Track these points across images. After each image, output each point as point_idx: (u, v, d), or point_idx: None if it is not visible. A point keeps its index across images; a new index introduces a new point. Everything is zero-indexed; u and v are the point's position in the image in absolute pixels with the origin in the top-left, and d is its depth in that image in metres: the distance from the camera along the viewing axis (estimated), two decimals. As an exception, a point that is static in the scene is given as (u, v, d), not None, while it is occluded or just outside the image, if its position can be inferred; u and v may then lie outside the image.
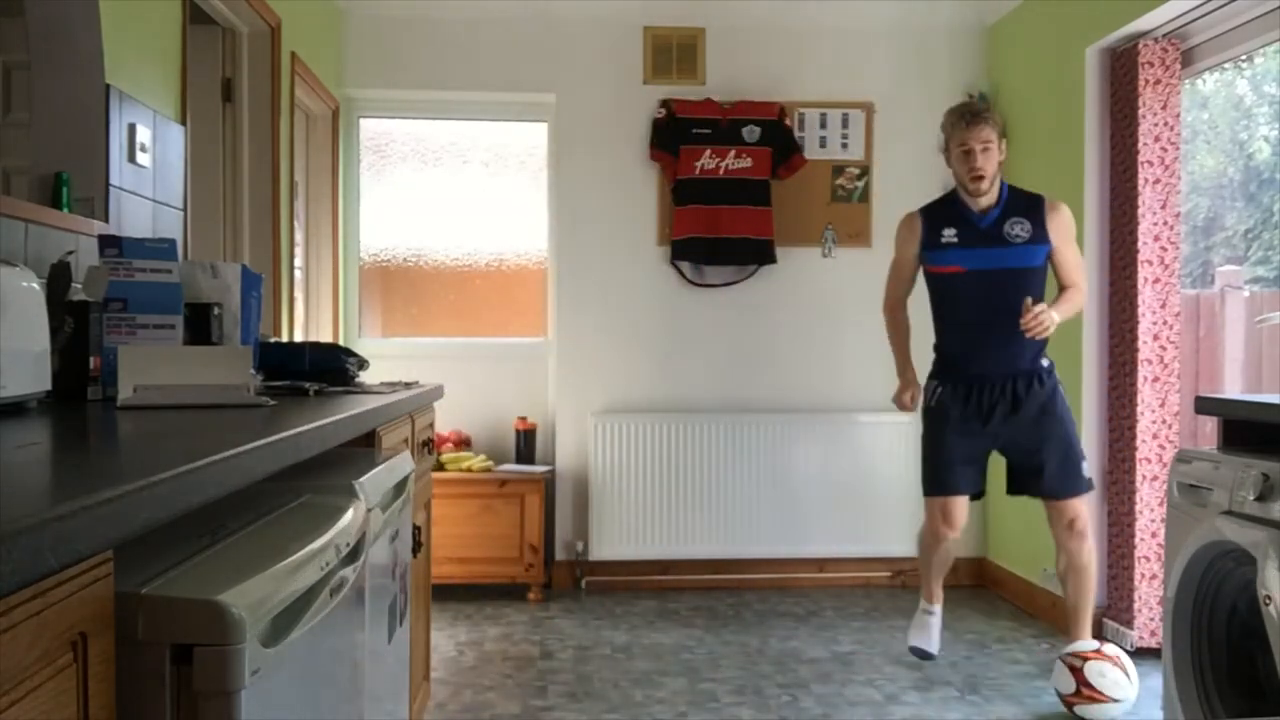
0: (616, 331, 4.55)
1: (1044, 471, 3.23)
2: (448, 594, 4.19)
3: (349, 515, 1.33)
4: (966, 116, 3.27)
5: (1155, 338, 3.56)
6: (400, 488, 1.87)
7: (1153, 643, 3.47)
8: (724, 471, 4.45)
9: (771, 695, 3.21)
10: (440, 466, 4.27)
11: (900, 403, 3.52)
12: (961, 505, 3.36)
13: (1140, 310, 3.55)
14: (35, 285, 1.56)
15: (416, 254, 4.72)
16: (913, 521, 4.53)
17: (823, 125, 4.60)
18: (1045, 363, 3.31)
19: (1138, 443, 3.55)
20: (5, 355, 1.41)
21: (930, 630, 3.50)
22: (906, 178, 4.61)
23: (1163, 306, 3.56)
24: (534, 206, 4.73)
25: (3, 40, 2.04)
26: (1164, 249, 3.56)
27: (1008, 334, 3.18)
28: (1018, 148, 4.38)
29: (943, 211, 3.38)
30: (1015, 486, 3.36)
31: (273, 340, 2.94)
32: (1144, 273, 3.55)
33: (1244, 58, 3.61)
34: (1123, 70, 3.65)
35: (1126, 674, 3.03)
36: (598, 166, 4.53)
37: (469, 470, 4.31)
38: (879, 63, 4.61)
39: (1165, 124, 3.55)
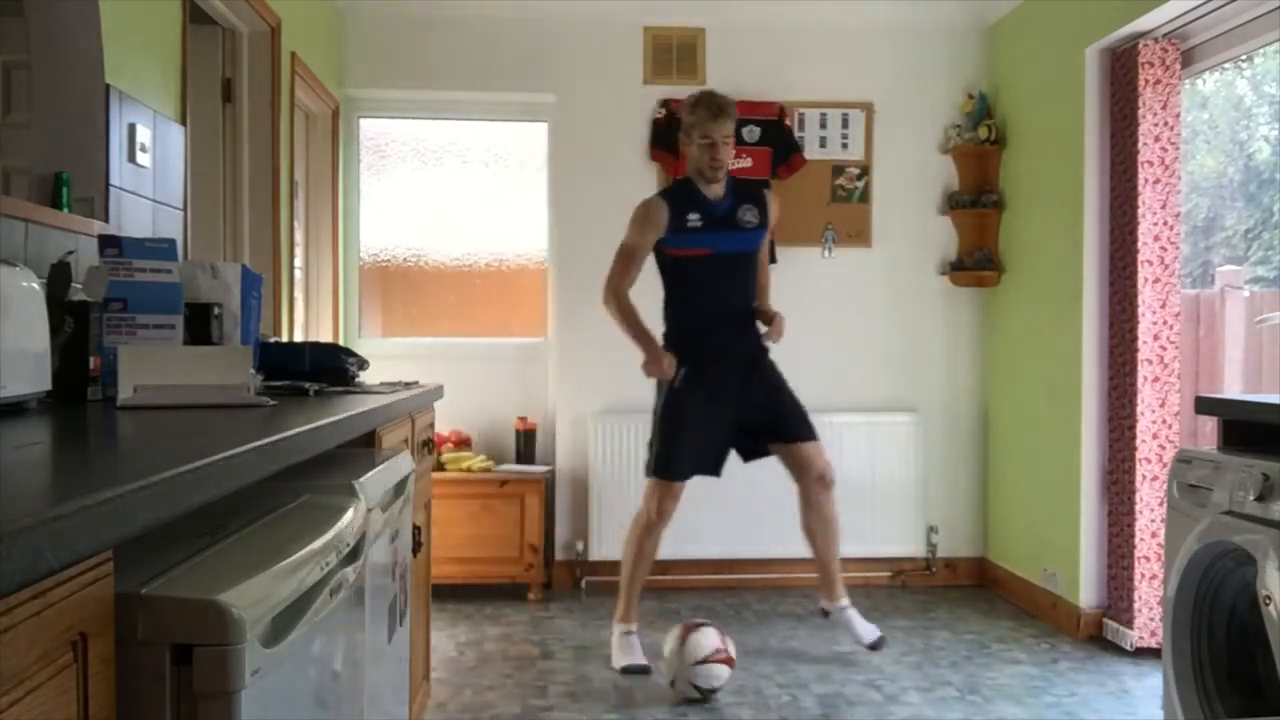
0: (616, 331, 4.53)
1: (785, 420, 3.44)
2: (448, 594, 4.19)
3: (349, 515, 1.33)
4: (713, 109, 3.39)
5: (1155, 338, 3.56)
6: (400, 488, 1.87)
7: (1153, 643, 3.47)
8: (724, 471, 4.44)
9: (771, 695, 3.21)
10: (440, 466, 4.27)
11: (660, 369, 3.43)
12: (679, 493, 3.43)
13: (1140, 310, 3.55)
14: (35, 285, 1.56)
15: (416, 254, 4.72)
16: (913, 522, 4.55)
17: (823, 125, 4.60)
18: (762, 330, 3.49)
19: (1138, 443, 3.55)
20: (5, 355, 1.41)
21: (635, 648, 3.44)
22: (906, 178, 4.62)
23: (1163, 306, 3.56)
24: (534, 206, 4.73)
25: (3, 40, 2.04)
26: (1164, 249, 3.56)
27: (742, 312, 3.46)
28: (1018, 148, 4.38)
29: (683, 197, 3.47)
30: (758, 448, 3.49)
31: (273, 340, 2.94)
32: (1144, 273, 3.55)
33: (1244, 58, 3.62)
34: (1123, 70, 3.65)
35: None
36: (598, 166, 4.52)
37: (469, 470, 4.31)
38: (879, 63, 4.61)
39: (1165, 124, 3.55)
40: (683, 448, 3.39)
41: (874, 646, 3.50)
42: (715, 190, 3.44)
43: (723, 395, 3.40)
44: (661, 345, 3.46)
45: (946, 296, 4.64)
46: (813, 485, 3.44)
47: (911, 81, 4.60)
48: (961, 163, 4.58)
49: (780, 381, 3.49)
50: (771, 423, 3.46)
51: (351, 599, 1.35)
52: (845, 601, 3.56)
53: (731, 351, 3.44)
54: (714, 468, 3.48)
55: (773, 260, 4.48)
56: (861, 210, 4.61)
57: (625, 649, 3.44)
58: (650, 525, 3.44)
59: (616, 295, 3.49)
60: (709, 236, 3.41)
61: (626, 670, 3.39)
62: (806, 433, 3.45)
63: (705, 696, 3.11)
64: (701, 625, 3.16)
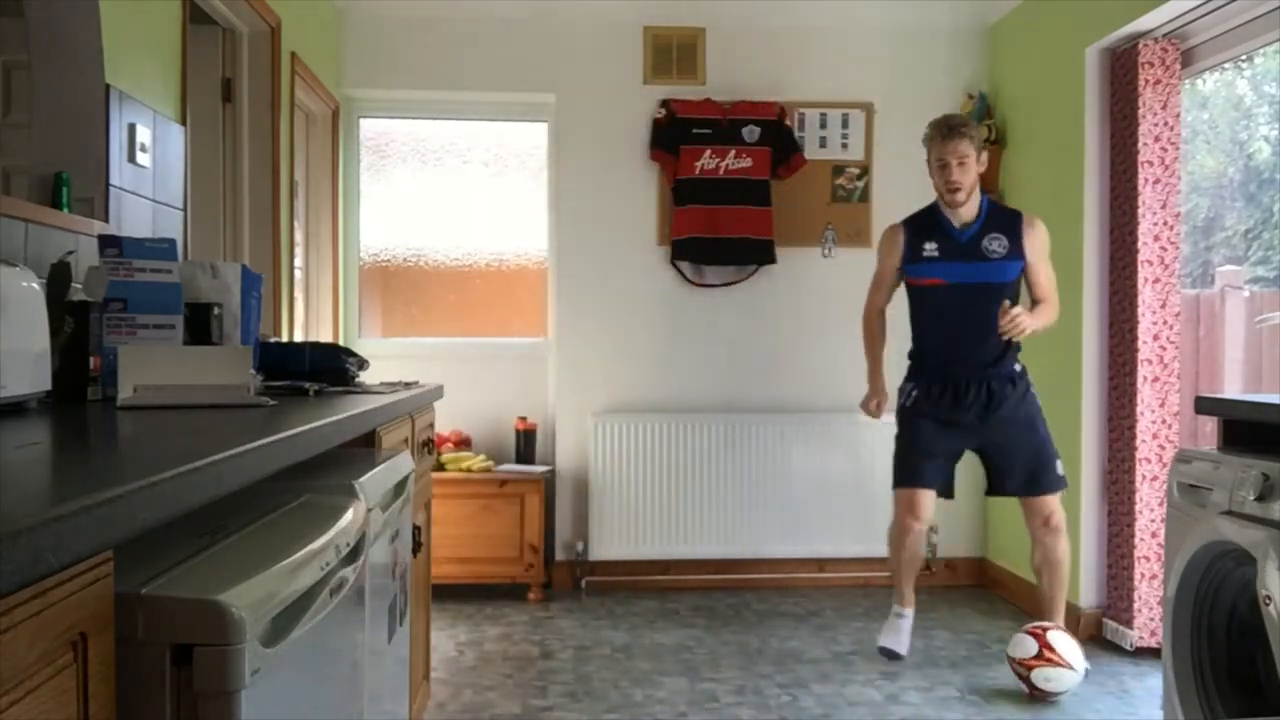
0: (616, 331, 4.55)
1: (1019, 470, 3.37)
2: (448, 594, 4.19)
3: (349, 515, 1.33)
4: (943, 130, 3.36)
5: (1155, 338, 3.56)
6: (400, 488, 1.87)
7: (1153, 643, 3.47)
8: (724, 471, 4.45)
9: (771, 695, 3.21)
10: (440, 466, 4.27)
11: (868, 408, 3.66)
12: (928, 498, 3.44)
13: (1140, 310, 3.55)
14: (35, 285, 1.56)
15: (416, 254, 4.72)
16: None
17: (823, 125, 4.60)
18: (1017, 366, 3.41)
19: (1138, 443, 3.55)
20: (5, 355, 1.41)
21: (901, 632, 3.55)
22: (906, 178, 4.60)
23: (1163, 306, 3.56)
24: (534, 206, 4.73)
25: (3, 40, 2.04)
26: (1164, 249, 3.56)
27: (983, 342, 3.33)
28: (1018, 148, 4.38)
29: (924, 225, 3.45)
30: (993, 486, 3.48)
31: (273, 340, 2.94)
32: (1144, 273, 3.55)
33: (1244, 58, 3.62)
34: (1123, 70, 3.65)
35: (1079, 649, 3.21)
36: (598, 166, 4.52)
37: (469, 470, 4.31)
38: (879, 63, 4.61)
39: (1165, 124, 3.55)
40: (915, 458, 3.43)
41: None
42: (963, 215, 3.36)
43: (951, 422, 3.38)
44: (909, 368, 3.52)
45: (946, 296, 4.63)
46: (1039, 529, 3.40)
47: (911, 81, 4.60)
48: (961, 163, 4.57)
49: (1028, 432, 3.36)
50: (1009, 473, 3.40)
51: (351, 599, 1.35)
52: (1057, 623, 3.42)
53: (968, 380, 3.36)
54: (944, 483, 3.46)
55: (771, 261, 4.49)
56: (861, 210, 4.61)
57: (890, 630, 3.55)
58: (905, 529, 3.48)
59: (865, 317, 3.65)
60: (943, 266, 3.37)
61: (881, 651, 3.52)
62: (1041, 489, 3.37)
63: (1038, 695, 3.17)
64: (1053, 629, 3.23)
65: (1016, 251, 3.36)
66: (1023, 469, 3.38)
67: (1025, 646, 3.19)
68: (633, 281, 4.54)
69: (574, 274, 4.54)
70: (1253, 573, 1.97)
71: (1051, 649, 3.14)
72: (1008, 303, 3.23)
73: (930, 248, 3.39)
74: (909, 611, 3.58)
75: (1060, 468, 3.41)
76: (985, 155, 3.42)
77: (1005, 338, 3.26)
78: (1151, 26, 3.54)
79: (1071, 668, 3.15)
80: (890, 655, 3.52)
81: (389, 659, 1.85)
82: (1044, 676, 3.15)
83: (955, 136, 3.31)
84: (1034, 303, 3.44)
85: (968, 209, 3.37)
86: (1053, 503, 3.39)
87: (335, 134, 4.39)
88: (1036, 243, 3.39)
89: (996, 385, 3.36)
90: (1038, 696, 3.17)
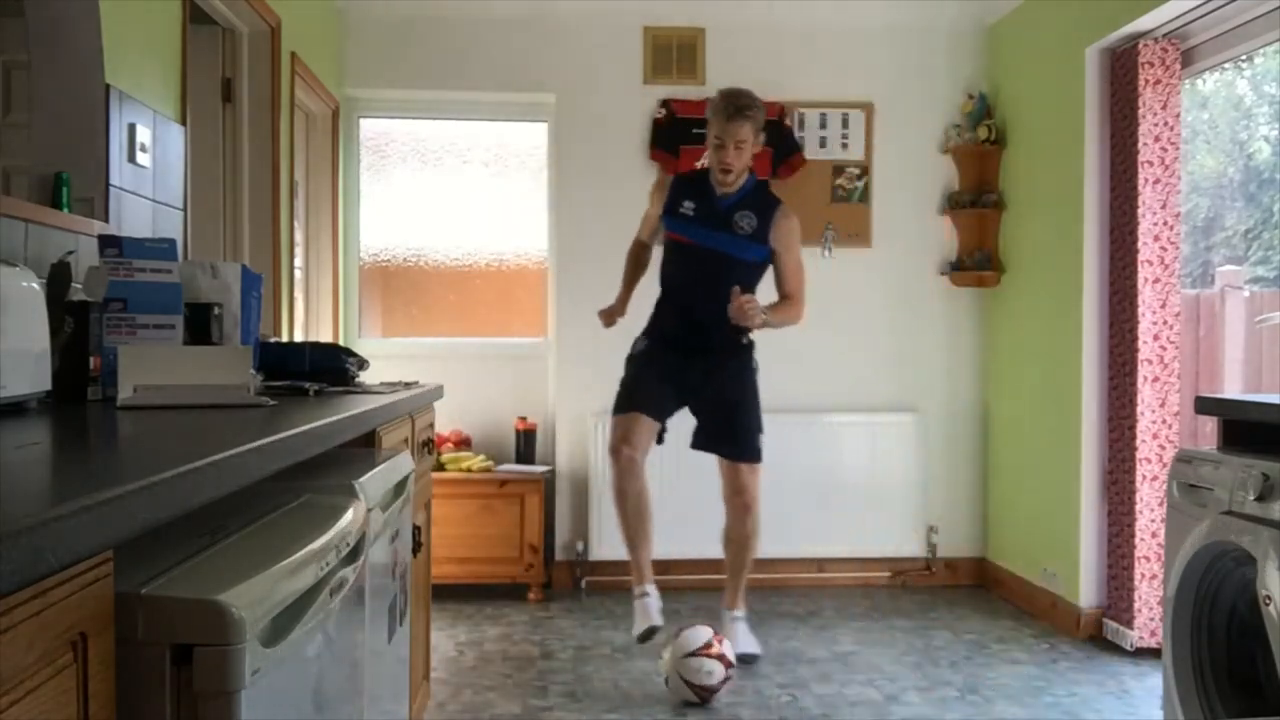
0: (617, 331, 4.53)
1: (727, 434, 3.41)
2: (448, 594, 4.19)
3: (349, 515, 1.33)
4: (729, 110, 3.30)
5: (1155, 338, 3.56)
6: (400, 488, 1.87)
7: (1153, 643, 3.47)
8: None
9: (771, 695, 3.21)
10: (440, 466, 4.27)
11: (606, 314, 3.61)
12: (648, 427, 3.37)
13: (1140, 310, 3.55)
14: (35, 285, 1.56)
15: (416, 254, 4.72)
16: (913, 522, 4.55)
17: (823, 125, 4.60)
18: (745, 340, 3.44)
19: (1138, 443, 3.55)
20: (5, 355, 1.41)
21: (649, 611, 3.34)
22: (906, 178, 4.62)
23: (1163, 306, 3.56)
24: (534, 206, 4.73)
25: (3, 40, 2.04)
26: (1164, 249, 3.56)
27: (714, 306, 3.28)
28: (1018, 148, 4.38)
29: (692, 184, 3.47)
30: (699, 441, 3.48)
31: (273, 340, 2.94)
32: (1144, 273, 3.55)
33: (1244, 58, 3.62)
34: (1123, 70, 3.65)
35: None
36: (598, 166, 4.52)
37: (469, 470, 4.30)
38: (879, 63, 4.61)
39: (1165, 124, 3.55)
40: (636, 391, 3.42)
41: (745, 660, 3.42)
42: (725, 189, 3.39)
43: (675, 378, 3.40)
44: (649, 320, 3.52)
45: (946, 296, 4.64)
46: (732, 499, 3.46)
47: (911, 81, 4.60)
48: (961, 163, 4.58)
49: (744, 401, 3.42)
50: (717, 435, 3.44)
51: (351, 599, 1.35)
52: (740, 613, 3.54)
53: (692, 345, 3.40)
54: (660, 415, 3.41)
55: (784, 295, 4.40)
56: (861, 210, 4.61)
57: (639, 612, 3.36)
58: (623, 468, 3.34)
59: (631, 245, 3.68)
60: (694, 227, 3.40)
61: (640, 638, 3.33)
62: (742, 455, 3.42)
63: (700, 697, 3.08)
64: (697, 624, 3.17)
65: (762, 235, 3.37)
66: (731, 434, 3.41)
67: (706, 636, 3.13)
68: (633, 281, 4.53)
69: (574, 274, 4.53)
70: (1253, 573, 1.97)
71: (723, 647, 3.11)
72: (738, 289, 3.21)
73: (688, 206, 3.41)
74: (652, 588, 3.37)
75: (760, 442, 3.42)
76: (763, 137, 3.44)
77: (732, 321, 3.25)
78: (1151, 26, 3.54)
79: (729, 671, 3.11)
80: (648, 636, 3.31)
81: (389, 659, 1.85)
82: (703, 668, 3.08)
83: (738, 118, 3.28)
84: (781, 297, 3.45)
85: (732, 186, 3.38)
86: (747, 475, 3.41)
87: (335, 134, 4.39)
88: (783, 232, 3.39)
89: (726, 354, 3.40)
90: (697, 692, 3.08)
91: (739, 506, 3.45)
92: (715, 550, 4.44)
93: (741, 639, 3.47)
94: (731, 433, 3.42)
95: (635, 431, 3.35)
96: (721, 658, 3.10)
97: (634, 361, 3.50)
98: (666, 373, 3.41)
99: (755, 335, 3.46)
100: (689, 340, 3.40)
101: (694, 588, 4.46)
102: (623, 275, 3.69)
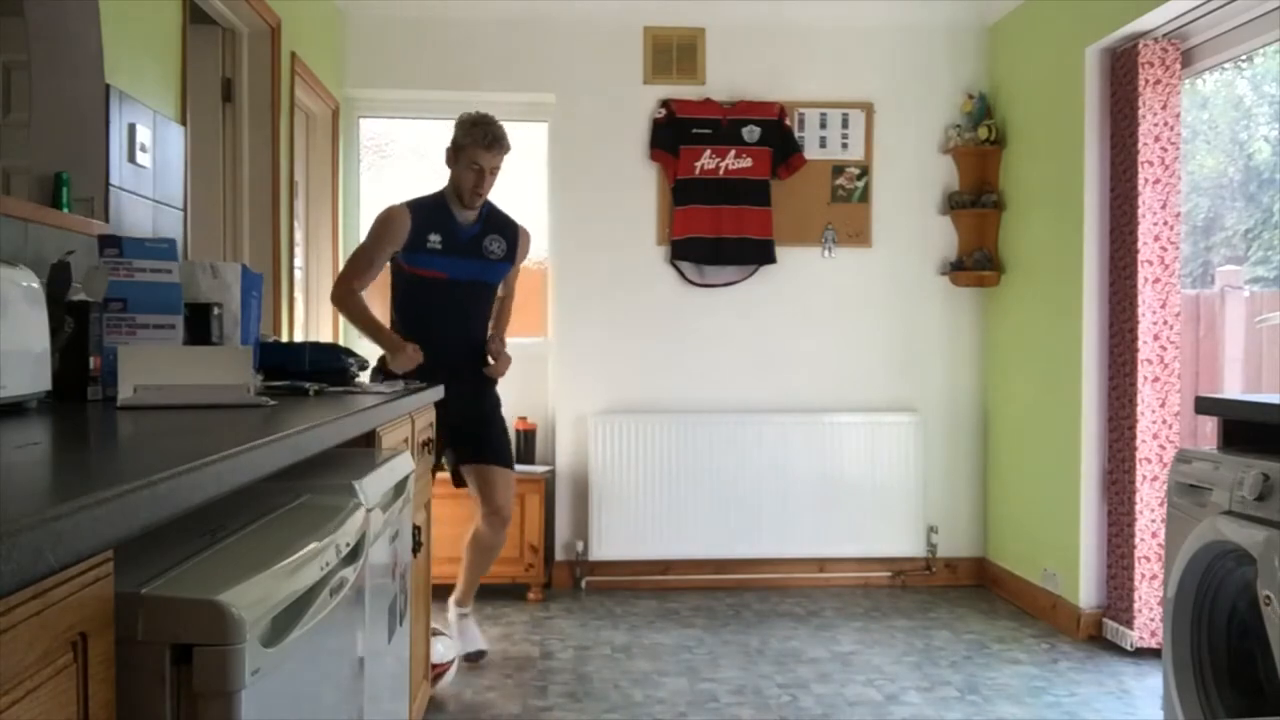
0: (616, 331, 4.55)
1: (490, 444, 3.48)
2: (448, 594, 4.18)
3: (349, 515, 1.33)
4: (489, 139, 3.29)
5: (1155, 338, 3.56)
6: (400, 488, 1.87)
7: (1153, 643, 3.47)
8: (723, 472, 4.45)
9: (771, 695, 3.21)
10: (441, 466, 4.26)
11: (408, 356, 3.25)
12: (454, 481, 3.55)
13: (1140, 310, 3.55)
14: (35, 285, 1.56)
15: (416, 254, 4.71)
16: (913, 522, 4.55)
17: (823, 125, 4.60)
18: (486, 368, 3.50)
19: (1138, 443, 3.55)
20: (5, 355, 1.41)
21: (472, 631, 3.55)
22: (906, 178, 4.62)
23: (1163, 306, 3.56)
24: (534, 206, 4.73)
25: (3, 40, 2.04)
26: (1164, 249, 3.56)
27: (469, 338, 3.43)
28: (1018, 148, 4.38)
29: (431, 215, 3.36)
30: (464, 456, 3.49)
31: (273, 340, 2.94)
32: (1144, 273, 3.55)
33: (1244, 58, 3.62)
34: (1123, 70, 3.65)
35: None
36: (598, 166, 4.53)
37: (469, 470, 4.30)
38: (879, 63, 4.61)
39: (1165, 124, 3.55)
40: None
41: (471, 657, 3.48)
42: (467, 215, 3.37)
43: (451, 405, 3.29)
44: (381, 358, 3.37)
45: (946, 296, 4.64)
46: (489, 508, 3.48)
47: (911, 81, 4.60)
48: (961, 163, 4.58)
49: (497, 415, 3.54)
50: (479, 446, 3.46)
51: (351, 599, 1.35)
52: (468, 609, 3.60)
53: (453, 369, 3.32)
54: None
55: (771, 260, 4.50)
56: (861, 210, 4.61)
57: (463, 632, 3.52)
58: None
59: (350, 296, 3.32)
60: (447, 260, 3.34)
61: (467, 658, 3.46)
62: (505, 461, 3.50)
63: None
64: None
65: (510, 255, 3.46)
66: (493, 444, 3.48)
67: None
68: (633, 281, 4.54)
69: (574, 274, 4.54)
70: (1253, 573, 1.97)
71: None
72: (507, 357, 3.45)
73: (434, 239, 3.34)
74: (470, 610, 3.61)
75: (512, 452, 3.61)
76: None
77: (495, 378, 3.46)
78: (1151, 26, 3.54)
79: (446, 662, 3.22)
80: (479, 656, 3.51)
81: (389, 659, 1.85)
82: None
83: (499, 149, 3.31)
84: (501, 297, 3.55)
85: (472, 211, 3.38)
86: (508, 490, 3.50)
87: (335, 134, 4.39)
88: (524, 250, 3.55)
89: (476, 376, 3.44)
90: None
91: (499, 519, 3.51)
92: (715, 550, 4.47)
93: (470, 635, 3.56)
94: (496, 445, 3.51)
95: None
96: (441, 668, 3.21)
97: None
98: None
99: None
100: (452, 370, 3.30)
101: (694, 588, 4.47)
102: (365, 327, 3.33)
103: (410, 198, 3.41)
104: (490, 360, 3.45)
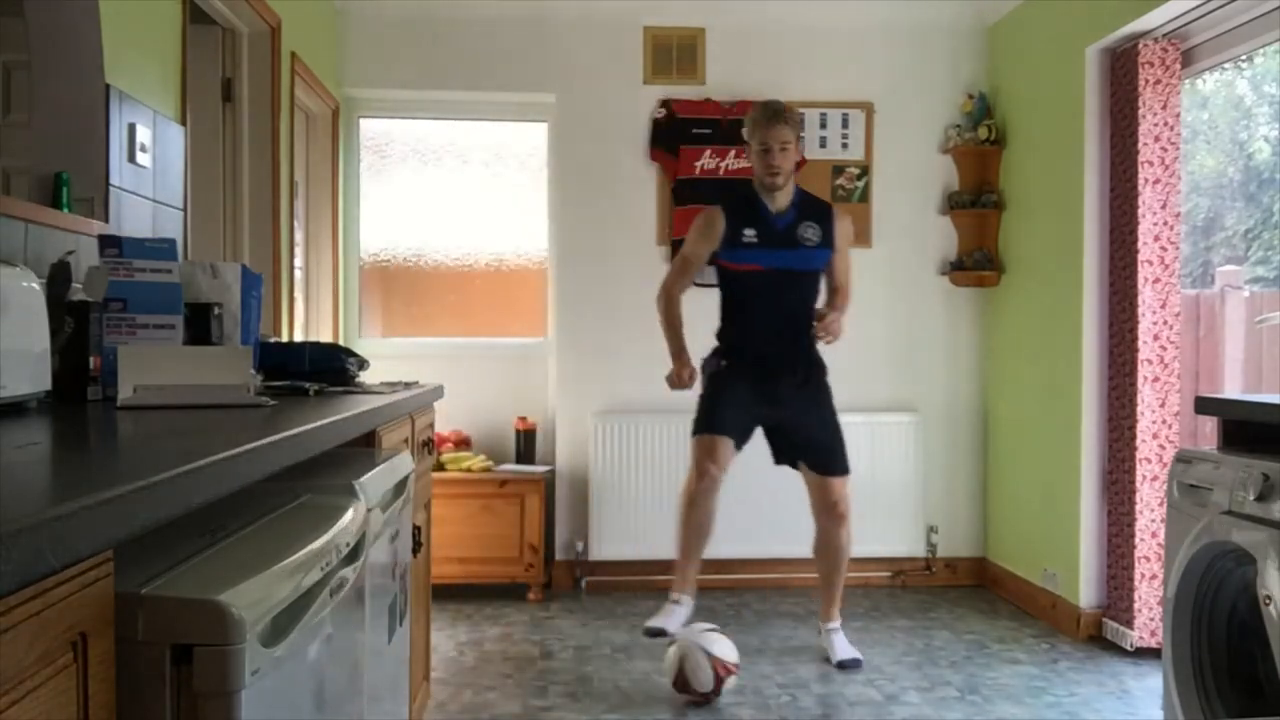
0: (616, 331, 4.55)
1: (818, 448, 3.45)
2: (448, 594, 4.19)
3: (349, 515, 1.33)
4: (767, 115, 3.38)
5: (1155, 338, 3.56)
6: (400, 488, 1.87)
7: (1153, 643, 3.47)
8: (725, 471, 4.43)
9: (771, 695, 3.21)
10: (440, 466, 4.27)
11: (679, 379, 3.47)
12: (729, 446, 3.41)
13: (1140, 310, 3.55)
14: (35, 285, 1.56)
15: (416, 254, 4.72)
16: (913, 522, 4.55)
17: (823, 125, 4.60)
18: (817, 356, 3.48)
19: (1138, 443, 3.55)
20: (5, 355, 1.41)
21: (672, 615, 3.40)
22: (906, 178, 4.62)
23: (1163, 306, 3.56)
24: (534, 206, 4.73)
25: (3, 40, 2.04)
26: (1164, 249, 3.56)
27: (793, 325, 3.42)
28: (1018, 148, 4.38)
29: (742, 211, 3.46)
30: (785, 458, 3.53)
31: (273, 340, 2.94)
32: (1144, 273, 3.55)
33: (1244, 58, 3.62)
34: (1123, 70, 3.65)
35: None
36: (598, 166, 4.53)
37: (469, 470, 4.31)
38: (879, 63, 4.61)
39: (1165, 124, 3.55)
40: (718, 410, 3.42)
41: (844, 665, 3.46)
42: (780, 201, 3.41)
43: (760, 393, 3.41)
44: (714, 347, 3.52)
45: (946, 296, 4.64)
46: (824, 512, 3.49)
47: (911, 81, 4.60)
48: (961, 163, 4.58)
49: (828, 415, 3.46)
50: (807, 449, 3.47)
51: (351, 599, 1.35)
52: (835, 624, 3.57)
53: (778, 365, 3.43)
54: (742, 439, 3.46)
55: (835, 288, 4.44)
56: (861, 210, 4.61)
57: (661, 612, 3.42)
58: (703, 472, 3.39)
59: (667, 298, 3.53)
60: (762, 252, 3.41)
61: (646, 631, 3.39)
62: (835, 470, 3.47)
63: (684, 688, 3.09)
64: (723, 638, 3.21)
65: (828, 241, 3.44)
66: (818, 448, 3.45)
67: (842, 648, 3.26)
68: (633, 281, 4.53)
69: (574, 274, 4.54)
70: (1253, 573, 1.97)
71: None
72: (821, 310, 3.36)
73: (750, 234, 3.41)
74: (688, 599, 3.45)
75: (847, 455, 3.49)
76: (802, 144, 3.46)
77: (819, 340, 3.37)
78: (1151, 26, 3.54)
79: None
80: (657, 634, 3.36)
81: (389, 659, 1.85)
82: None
83: (779, 121, 3.35)
84: (832, 290, 3.50)
85: (783, 195, 3.41)
86: (841, 488, 3.47)
87: (335, 134, 4.39)
88: (843, 233, 3.49)
89: (804, 367, 3.44)
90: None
91: (837, 518, 3.48)
92: (715, 550, 4.46)
93: (840, 648, 3.50)
94: (822, 449, 3.45)
95: (720, 452, 3.39)
96: (724, 668, 3.11)
97: (714, 382, 3.50)
98: (747, 396, 3.41)
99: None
100: (768, 363, 3.42)
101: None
102: (668, 334, 3.54)
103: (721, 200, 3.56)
104: (816, 331, 3.36)
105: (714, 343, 3.55)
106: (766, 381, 3.41)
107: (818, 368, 3.47)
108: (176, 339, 1.91)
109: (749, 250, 3.41)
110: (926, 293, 4.64)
